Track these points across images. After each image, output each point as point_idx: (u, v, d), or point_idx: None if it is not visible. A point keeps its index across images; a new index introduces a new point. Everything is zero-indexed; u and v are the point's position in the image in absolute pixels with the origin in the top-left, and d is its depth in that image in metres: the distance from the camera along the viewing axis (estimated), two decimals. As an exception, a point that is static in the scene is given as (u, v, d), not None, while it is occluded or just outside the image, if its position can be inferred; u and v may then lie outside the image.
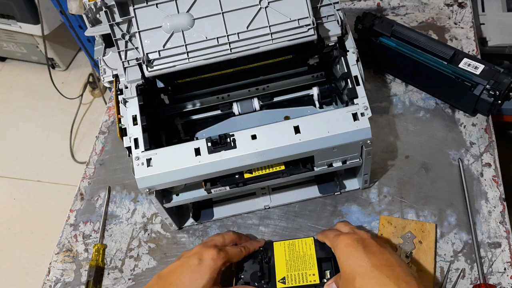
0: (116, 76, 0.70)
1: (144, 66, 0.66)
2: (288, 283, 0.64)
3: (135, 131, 0.65)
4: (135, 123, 0.66)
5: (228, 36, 0.65)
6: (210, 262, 0.60)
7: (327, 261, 0.66)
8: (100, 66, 0.72)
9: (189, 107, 0.80)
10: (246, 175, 0.67)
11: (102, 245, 0.79)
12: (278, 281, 0.65)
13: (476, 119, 0.83)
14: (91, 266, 0.76)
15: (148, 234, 0.80)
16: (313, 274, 0.65)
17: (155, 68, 0.66)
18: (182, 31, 0.65)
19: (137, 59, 0.67)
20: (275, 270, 0.66)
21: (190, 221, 0.79)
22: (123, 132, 0.66)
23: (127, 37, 0.67)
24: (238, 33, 0.65)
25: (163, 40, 0.65)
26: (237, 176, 0.68)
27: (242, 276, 0.67)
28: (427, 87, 0.88)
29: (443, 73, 0.80)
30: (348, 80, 0.67)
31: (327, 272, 0.65)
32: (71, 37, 1.67)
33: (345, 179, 0.79)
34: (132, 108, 0.67)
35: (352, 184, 0.78)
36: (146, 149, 0.64)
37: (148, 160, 0.63)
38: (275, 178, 0.68)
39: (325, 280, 0.64)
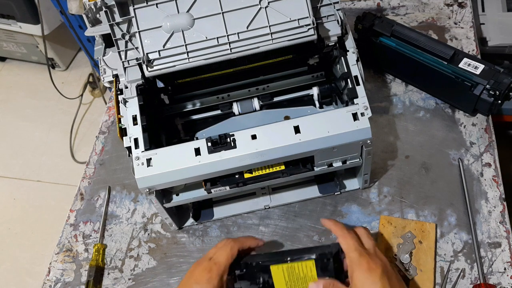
0: (116, 76, 0.70)
1: (144, 66, 0.66)
2: None
3: (135, 131, 0.65)
4: (135, 123, 0.66)
5: (228, 36, 0.65)
6: (205, 285, 0.59)
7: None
8: (100, 66, 0.72)
9: (189, 107, 0.80)
10: (246, 175, 0.67)
11: (102, 245, 0.79)
12: None
13: (476, 119, 0.83)
14: (91, 266, 0.76)
15: (148, 234, 0.80)
16: None
17: (155, 68, 0.66)
18: (182, 31, 0.65)
19: (137, 59, 0.67)
20: None
21: (190, 221, 0.79)
22: (123, 132, 0.66)
23: (127, 37, 0.67)
24: (238, 33, 0.65)
25: (163, 40, 0.65)
26: (237, 176, 0.68)
27: None
28: (427, 87, 0.88)
29: (443, 73, 0.80)
30: (348, 80, 0.67)
31: None
32: (71, 37, 1.67)
33: (345, 179, 0.79)
34: (132, 108, 0.67)
35: (352, 184, 0.78)
36: (146, 149, 0.64)
37: (148, 160, 0.63)
38: (275, 178, 0.68)
39: None
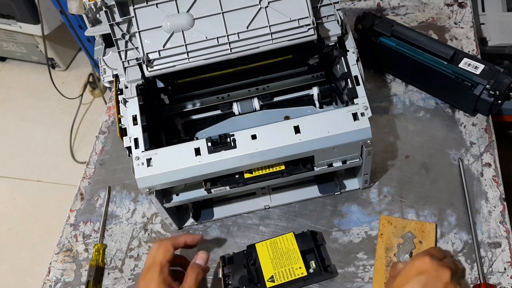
0: (116, 76, 0.70)
1: (144, 66, 0.66)
2: (277, 281, 0.65)
3: (135, 131, 0.65)
4: (135, 123, 0.66)
5: (228, 36, 0.65)
6: (150, 283, 0.60)
7: (310, 252, 0.68)
8: (100, 66, 0.72)
9: (189, 107, 0.80)
10: (246, 175, 0.67)
11: (102, 245, 0.79)
12: (267, 281, 0.65)
13: (476, 119, 0.83)
14: (91, 266, 0.76)
15: (148, 234, 0.80)
16: (300, 267, 0.66)
17: (155, 68, 0.66)
18: (182, 31, 0.65)
19: (137, 59, 0.67)
20: (262, 271, 0.67)
21: (190, 221, 0.79)
22: (123, 132, 0.66)
23: (127, 37, 0.67)
24: (238, 33, 0.65)
25: (163, 40, 0.65)
26: (237, 176, 0.68)
27: (230, 282, 0.68)
28: (427, 87, 0.88)
29: (443, 73, 0.80)
30: (348, 80, 0.67)
31: (312, 262, 0.67)
32: (71, 37, 1.67)
33: (345, 179, 0.79)
34: (132, 108, 0.67)
35: (352, 184, 0.78)
36: (146, 149, 0.64)
37: (148, 160, 0.63)
38: (275, 178, 0.68)
39: (311, 271, 0.66)
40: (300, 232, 0.72)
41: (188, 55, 0.65)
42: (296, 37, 0.66)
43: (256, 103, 0.78)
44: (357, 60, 0.68)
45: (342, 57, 0.68)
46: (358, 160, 0.69)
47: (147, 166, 0.63)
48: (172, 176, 0.63)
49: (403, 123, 0.85)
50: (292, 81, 0.80)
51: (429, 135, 0.82)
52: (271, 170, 0.67)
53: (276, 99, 0.79)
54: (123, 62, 0.68)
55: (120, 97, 0.68)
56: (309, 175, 0.70)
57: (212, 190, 0.68)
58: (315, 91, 0.78)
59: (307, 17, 0.65)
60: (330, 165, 0.69)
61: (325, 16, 0.68)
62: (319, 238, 0.72)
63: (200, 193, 0.70)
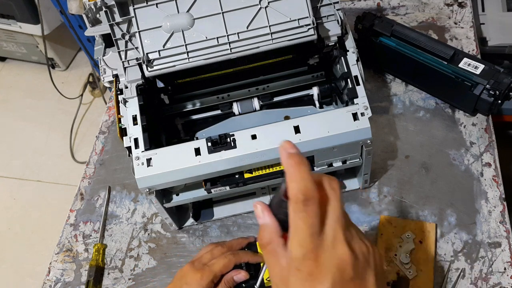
0: (116, 76, 0.70)
1: (144, 66, 0.66)
2: None
3: (135, 131, 0.65)
4: (135, 123, 0.66)
5: (228, 36, 0.65)
6: (195, 286, 0.60)
7: None
8: (100, 66, 0.72)
9: (189, 107, 0.80)
10: (246, 175, 0.67)
11: (102, 245, 0.79)
12: (267, 280, 0.65)
13: (476, 119, 0.83)
14: (91, 266, 0.76)
15: (148, 234, 0.80)
16: None
17: (155, 68, 0.66)
18: (182, 31, 0.65)
19: (137, 59, 0.67)
20: (262, 271, 0.65)
21: (190, 221, 0.79)
22: (123, 132, 0.66)
23: (127, 37, 0.67)
24: (238, 33, 0.65)
25: (163, 40, 0.65)
26: (237, 176, 0.68)
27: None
28: (427, 87, 0.88)
29: (443, 73, 0.80)
30: (348, 80, 0.67)
31: None
32: (71, 37, 1.67)
33: (345, 179, 0.79)
34: (132, 108, 0.67)
35: (352, 184, 0.78)
36: (146, 149, 0.64)
37: (148, 160, 0.63)
38: (275, 178, 0.68)
39: None
40: None
41: (188, 55, 0.65)
42: (296, 37, 0.66)
43: (256, 103, 0.78)
44: (357, 60, 0.68)
45: (342, 57, 0.68)
46: (358, 160, 0.69)
47: (147, 166, 0.63)
48: (172, 176, 0.63)
49: (403, 123, 0.85)
50: (292, 81, 0.80)
51: (429, 135, 0.82)
52: (271, 170, 0.67)
53: (276, 99, 0.79)
54: (123, 62, 0.68)
55: (120, 97, 0.68)
56: (309, 175, 0.70)
57: (212, 190, 0.68)
58: (315, 91, 0.78)
59: (307, 17, 0.65)
60: (330, 165, 0.69)
61: (325, 16, 0.68)
62: None
63: (200, 193, 0.70)
